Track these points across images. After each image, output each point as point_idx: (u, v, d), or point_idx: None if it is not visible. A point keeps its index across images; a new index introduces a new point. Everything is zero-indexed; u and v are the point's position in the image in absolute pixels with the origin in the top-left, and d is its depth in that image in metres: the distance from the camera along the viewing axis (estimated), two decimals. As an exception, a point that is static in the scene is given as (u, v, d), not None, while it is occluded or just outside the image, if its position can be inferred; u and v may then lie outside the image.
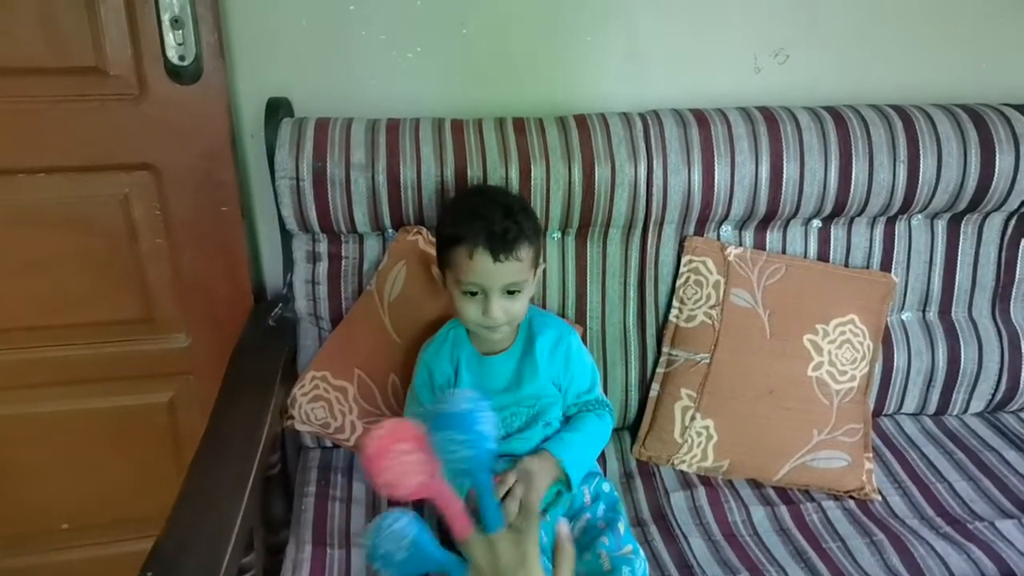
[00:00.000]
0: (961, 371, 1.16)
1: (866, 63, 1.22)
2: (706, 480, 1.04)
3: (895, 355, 1.15)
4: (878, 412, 1.17)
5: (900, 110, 1.11)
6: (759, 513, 0.99)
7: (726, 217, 1.09)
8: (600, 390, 0.98)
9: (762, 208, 1.08)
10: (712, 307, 1.08)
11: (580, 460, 0.89)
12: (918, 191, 1.09)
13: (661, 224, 1.09)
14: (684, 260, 1.10)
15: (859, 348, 1.07)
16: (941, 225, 1.16)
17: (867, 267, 1.15)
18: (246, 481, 0.79)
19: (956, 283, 1.17)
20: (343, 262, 1.06)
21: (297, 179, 0.99)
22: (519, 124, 1.05)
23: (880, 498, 1.02)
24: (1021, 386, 1.18)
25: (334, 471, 1.03)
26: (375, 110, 1.07)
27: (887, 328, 1.14)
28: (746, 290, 1.08)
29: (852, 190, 1.08)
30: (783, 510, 1.00)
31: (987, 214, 1.16)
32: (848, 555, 0.91)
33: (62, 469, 1.26)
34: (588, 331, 1.09)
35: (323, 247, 1.06)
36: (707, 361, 1.06)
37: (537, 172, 1.01)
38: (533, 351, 0.92)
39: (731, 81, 1.19)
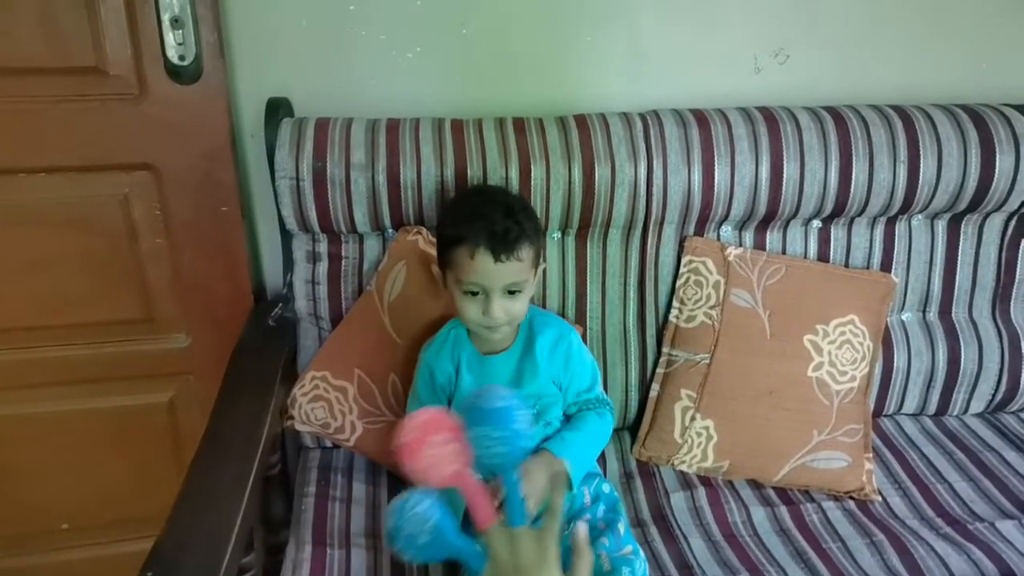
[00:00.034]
0: (961, 371, 1.16)
1: (866, 63, 1.22)
2: (706, 480, 1.04)
3: (895, 355, 1.15)
4: (878, 412, 1.17)
5: (900, 110, 1.11)
6: (759, 513, 0.99)
7: (726, 217, 1.09)
8: (600, 389, 0.98)
9: (762, 208, 1.08)
10: (712, 307, 1.08)
11: (581, 459, 0.90)
12: (918, 191, 1.09)
13: (661, 224, 1.09)
14: (684, 260, 1.10)
15: (859, 348, 1.07)
16: (941, 225, 1.16)
17: (867, 267, 1.15)
18: (246, 481, 0.79)
19: (956, 283, 1.17)
20: (343, 262, 1.06)
21: (297, 179, 0.99)
22: (519, 124, 1.05)
23: (880, 499, 1.02)
24: (1021, 387, 1.18)
25: (334, 471, 1.03)
26: (375, 110, 1.07)
27: (887, 328, 1.14)
28: (746, 290, 1.08)
29: (852, 190, 1.08)
30: (783, 510, 1.00)
31: (987, 214, 1.16)
32: (848, 555, 0.91)
33: (62, 469, 1.26)
34: (588, 331, 1.09)
35: (323, 247, 1.06)
36: (707, 361, 1.06)
37: (537, 172, 1.01)
38: (533, 350, 0.92)
39: (731, 81, 1.19)
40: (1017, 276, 1.18)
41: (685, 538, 0.94)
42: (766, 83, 1.20)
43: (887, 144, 1.07)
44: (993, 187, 1.10)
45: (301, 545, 0.89)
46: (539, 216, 0.99)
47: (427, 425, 0.65)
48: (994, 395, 1.18)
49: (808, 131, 1.07)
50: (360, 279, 1.07)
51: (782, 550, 0.93)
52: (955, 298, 1.18)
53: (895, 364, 1.15)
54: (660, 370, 1.10)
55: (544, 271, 1.06)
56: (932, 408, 1.19)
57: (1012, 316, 1.19)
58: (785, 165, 1.06)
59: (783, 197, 1.07)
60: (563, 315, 1.08)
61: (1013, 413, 1.21)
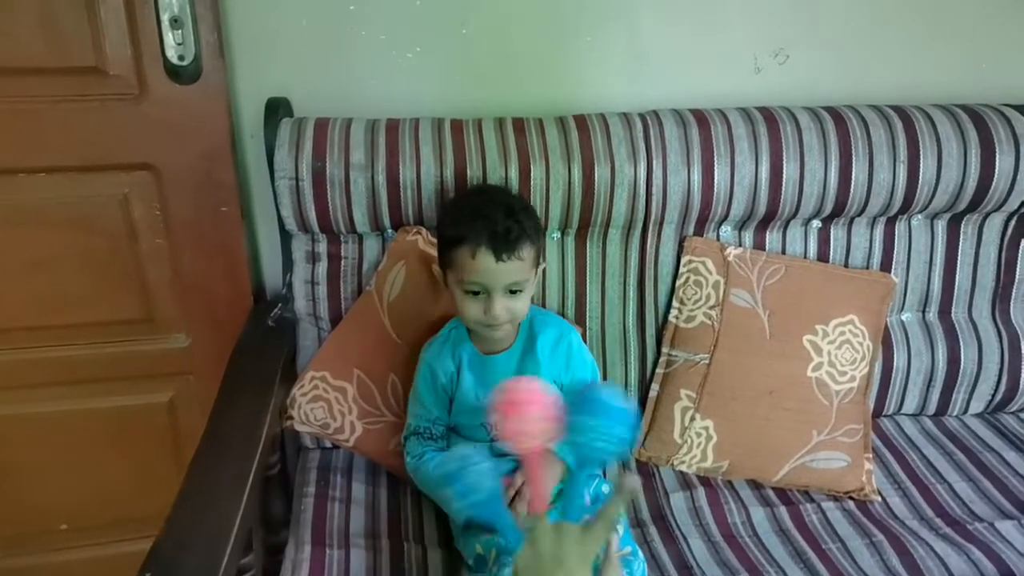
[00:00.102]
0: (961, 372, 1.16)
1: (866, 63, 1.22)
2: (706, 481, 1.04)
3: (895, 355, 1.15)
4: (878, 413, 1.17)
5: (900, 110, 1.11)
6: (759, 514, 0.99)
7: (726, 217, 1.09)
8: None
9: (762, 208, 1.08)
10: (712, 307, 1.08)
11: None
12: (918, 191, 1.09)
13: (661, 224, 1.09)
14: (684, 260, 1.10)
15: (859, 348, 1.07)
16: (941, 225, 1.16)
17: (867, 267, 1.15)
18: (245, 481, 0.79)
19: (956, 283, 1.17)
20: (342, 262, 1.06)
21: (296, 179, 0.99)
22: (519, 124, 1.05)
23: (880, 499, 1.02)
24: (1021, 387, 1.18)
25: (333, 471, 1.03)
26: (375, 110, 1.07)
27: (887, 328, 1.14)
28: (746, 290, 1.08)
29: (852, 190, 1.08)
30: (783, 511, 1.00)
31: (987, 214, 1.16)
32: (848, 556, 0.91)
33: (62, 469, 1.26)
34: (588, 331, 1.09)
35: (322, 247, 1.06)
36: (707, 362, 1.06)
37: (537, 172, 1.01)
38: (535, 350, 0.92)
39: (731, 81, 1.19)
40: (1017, 276, 1.18)
41: (684, 539, 0.94)
42: (766, 83, 1.20)
43: (887, 144, 1.07)
44: (993, 187, 1.10)
45: (300, 545, 0.89)
46: (539, 216, 0.99)
47: (539, 397, 0.64)
48: (994, 395, 1.18)
49: (808, 131, 1.07)
50: (359, 279, 1.07)
51: (781, 550, 0.93)
52: (955, 298, 1.18)
53: (895, 364, 1.15)
54: (660, 370, 1.10)
55: (544, 271, 1.06)
56: (932, 408, 1.19)
57: (1012, 316, 1.19)
58: (785, 165, 1.06)
59: (783, 197, 1.07)
60: (563, 315, 1.08)
61: (1013, 413, 1.21)
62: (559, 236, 1.09)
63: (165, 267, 1.14)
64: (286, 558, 0.88)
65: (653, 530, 0.95)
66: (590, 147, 1.03)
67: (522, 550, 0.63)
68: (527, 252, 0.85)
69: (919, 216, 1.15)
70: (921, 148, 1.08)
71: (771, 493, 1.03)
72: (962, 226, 1.16)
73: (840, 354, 1.06)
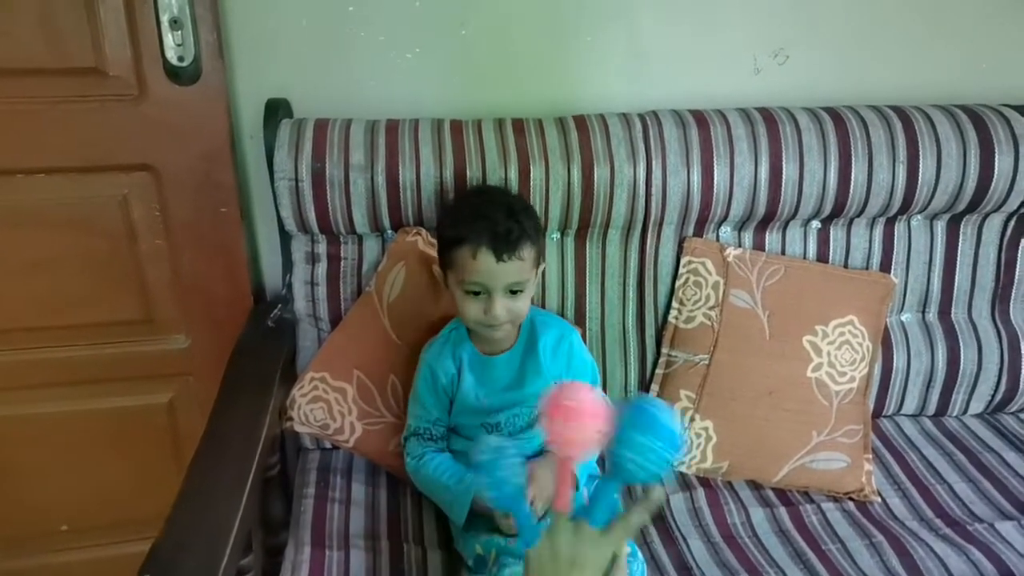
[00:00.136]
0: (961, 372, 1.16)
1: (865, 64, 1.22)
2: (705, 482, 1.04)
3: (894, 356, 1.15)
4: (877, 413, 1.17)
5: (899, 111, 1.11)
6: (758, 515, 0.99)
7: (725, 218, 1.09)
8: (600, 389, 0.99)
9: (761, 209, 1.08)
10: (711, 308, 1.08)
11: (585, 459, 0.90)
12: (917, 192, 1.09)
13: (660, 225, 1.09)
14: (683, 261, 1.10)
15: (858, 349, 1.07)
16: (940, 226, 1.16)
17: (866, 268, 1.14)
18: (245, 482, 0.79)
19: (955, 284, 1.17)
20: (342, 263, 1.06)
21: (296, 180, 0.99)
22: (518, 125, 1.05)
23: (879, 500, 1.02)
24: (1021, 387, 1.18)
25: (333, 473, 1.03)
26: (374, 111, 1.07)
27: (886, 329, 1.14)
28: (745, 291, 1.08)
29: (851, 191, 1.08)
30: (782, 512, 1.00)
31: (986, 215, 1.16)
32: (847, 557, 0.91)
33: (62, 470, 1.26)
34: (587, 332, 1.09)
35: (322, 248, 1.06)
36: (706, 362, 1.06)
37: (536, 173, 1.01)
38: (536, 350, 0.92)
39: (730, 82, 1.19)
40: (1016, 276, 1.18)
41: (684, 539, 0.94)
42: (765, 84, 1.20)
43: (886, 145, 1.07)
44: (992, 187, 1.10)
45: (300, 547, 0.89)
46: (538, 216, 0.99)
47: (598, 407, 0.63)
48: (993, 396, 1.18)
49: (807, 132, 1.07)
50: (359, 280, 1.07)
51: (781, 551, 0.93)
52: (954, 298, 1.18)
53: (894, 365, 1.15)
54: (659, 371, 1.10)
55: (543, 271, 1.06)
56: (931, 409, 1.19)
57: (1011, 316, 1.19)
58: (784, 166, 1.06)
59: (782, 198, 1.07)
60: (562, 315, 1.08)
61: (1012, 414, 1.21)
62: (558, 237, 1.09)
63: (165, 268, 1.14)
64: (286, 559, 0.88)
65: (653, 531, 0.95)
66: (589, 148, 1.03)
67: (539, 546, 0.63)
68: (528, 252, 0.85)
69: (918, 216, 1.15)
70: (920, 148, 1.08)
71: (771, 494, 1.03)
72: (961, 226, 1.16)
73: (840, 355, 1.06)
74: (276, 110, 1.03)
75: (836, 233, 1.14)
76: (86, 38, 0.99)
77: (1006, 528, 0.96)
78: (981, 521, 0.97)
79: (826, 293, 1.09)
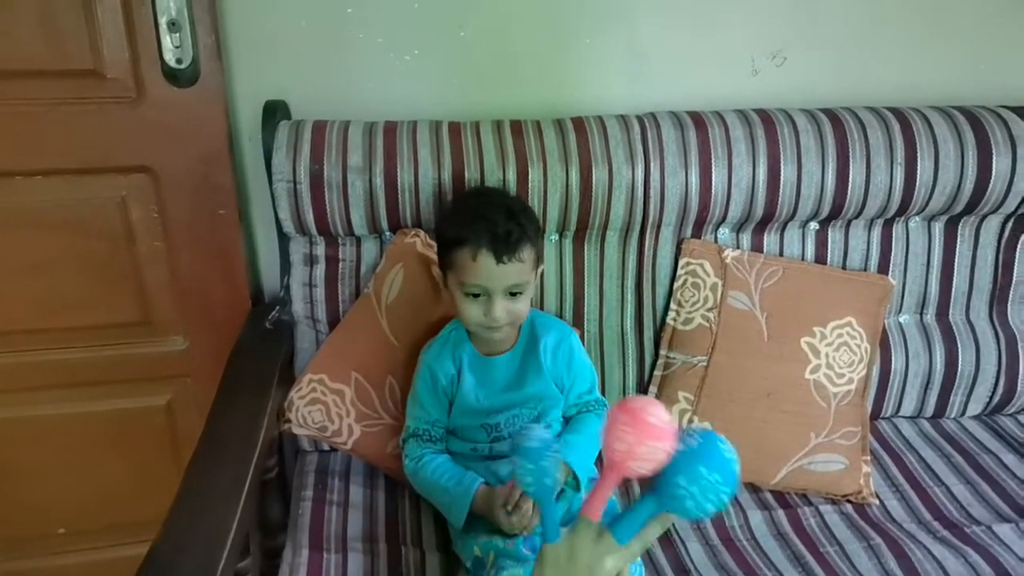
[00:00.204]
0: (959, 374, 1.16)
1: (864, 65, 1.22)
2: (704, 483, 1.04)
3: (892, 358, 1.15)
4: (875, 415, 1.17)
5: (897, 112, 1.11)
6: (756, 517, 0.99)
7: (723, 219, 1.09)
8: (598, 390, 0.99)
9: (759, 210, 1.08)
10: (709, 309, 1.08)
11: (586, 460, 0.91)
12: (915, 193, 1.09)
13: (658, 226, 1.09)
14: (681, 262, 1.10)
15: (856, 351, 1.07)
16: (938, 227, 1.16)
17: (864, 269, 1.15)
18: (242, 484, 0.79)
19: (953, 285, 1.18)
20: (340, 265, 1.06)
21: (294, 182, 0.99)
22: (516, 127, 1.05)
23: (877, 502, 1.02)
24: (1018, 388, 1.18)
25: (331, 475, 1.03)
26: (373, 113, 1.07)
27: (884, 331, 1.14)
28: (743, 292, 1.08)
29: (849, 192, 1.08)
30: (780, 514, 1.00)
31: (984, 216, 1.16)
32: (845, 559, 0.91)
33: (60, 472, 1.26)
34: (586, 333, 1.09)
35: (320, 250, 1.06)
36: (704, 364, 1.06)
37: (534, 174, 1.01)
38: (536, 351, 0.92)
39: (728, 83, 1.19)
40: (1014, 278, 1.18)
41: (683, 542, 0.94)
42: (763, 85, 1.20)
43: (884, 146, 1.07)
44: (990, 189, 1.10)
45: (298, 549, 0.89)
46: (537, 218, 0.99)
47: (672, 430, 0.61)
48: (991, 397, 1.18)
49: (805, 133, 1.07)
50: (357, 282, 1.07)
51: (779, 554, 0.93)
52: (952, 300, 1.18)
53: (892, 366, 1.15)
54: (658, 372, 1.10)
55: (542, 273, 1.06)
56: (929, 410, 1.19)
57: (1009, 318, 1.19)
58: (782, 167, 1.06)
59: (780, 199, 1.07)
60: (561, 317, 1.08)
61: (1011, 415, 1.21)
62: (557, 238, 1.09)
63: (163, 270, 1.14)
64: (283, 562, 0.88)
65: (651, 533, 0.95)
66: (588, 149, 1.03)
67: (558, 544, 0.64)
68: (527, 254, 0.86)
69: (916, 218, 1.15)
70: (918, 150, 1.08)
71: (769, 496, 1.03)
72: (959, 228, 1.17)
73: (838, 356, 1.06)
74: (274, 112, 1.03)
75: (834, 235, 1.14)
76: (84, 40, 0.99)
77: (1004, 530, 0.96)
78: (979, 523, 0.97)
79: (824, 295, 1.09)
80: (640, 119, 1.07)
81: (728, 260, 1.09)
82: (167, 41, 1.00)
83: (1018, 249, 1.17)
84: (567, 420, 0.97)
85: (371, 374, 1.01)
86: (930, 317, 1.19)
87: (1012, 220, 1.17)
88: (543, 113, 1.10)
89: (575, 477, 0.86)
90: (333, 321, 1.06)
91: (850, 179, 1.07)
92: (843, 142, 1.07)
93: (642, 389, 1.11)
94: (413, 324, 1.01)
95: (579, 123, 1.06)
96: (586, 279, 1.10)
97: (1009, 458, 1.10)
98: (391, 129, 1.03)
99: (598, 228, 1.07)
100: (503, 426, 0.92)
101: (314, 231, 1.03)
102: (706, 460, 0.60)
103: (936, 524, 0.98)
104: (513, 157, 1.01)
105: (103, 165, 1.07)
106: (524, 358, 0.93)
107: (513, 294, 0.86)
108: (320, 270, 1.06)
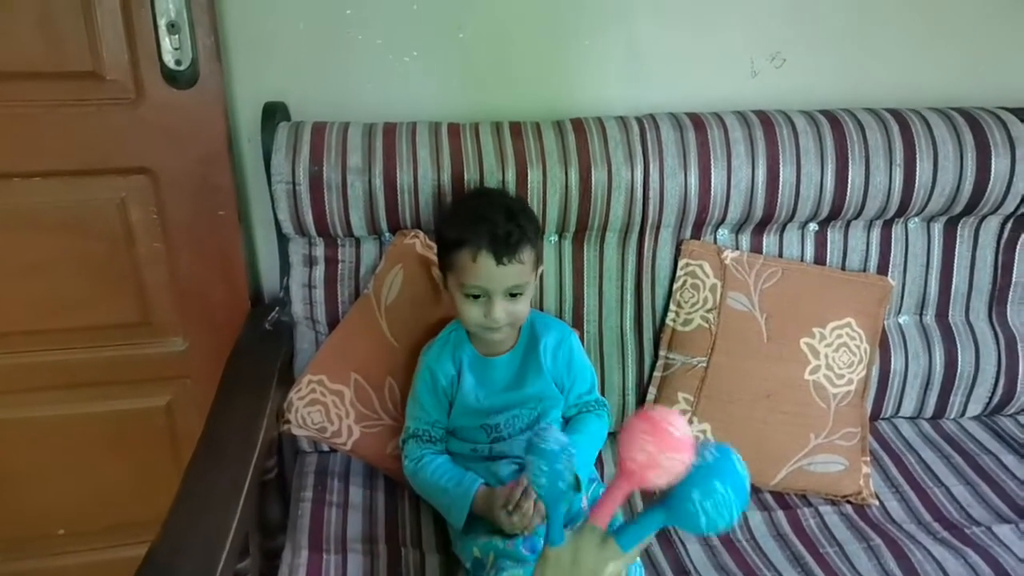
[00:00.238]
0: (958, 374, 1.16)
1: (862, 67, 1.22)
2: (703, 484, 1.04)
3: (892, 358, 1.15)
4: (875, 416, 1.17)
5: (896, 114, 1.11)
6: (756, 518, 0.99)
7: (723, 220, 1.09)
8: (598, 391, 0.99)
9: (759, 212, 1.08)
10: (709, 311, 1.08)
11: (587, 461, 0.91)
12: (914, 194, 1.09)
13: (658, 228, 1.09)
14: (681, 263, 1.10)
15: (856, 351, 1.07)
16: (938, 228, 1.16)
17: (864, 270, 1.15)
18: (242, 485, 0.79)
19: (953, 286, 1.18)
20: (340, 266, 1.06)
21: (293, 183, 0.99)
22: (516, 128, 1.05)
23: (877, 503, 1.02)
24: (1018, 389, 1.18)
25: (331, 476, 1.03)
26: (372, 114, 1.07)
27: (884, 331, 1.14)
28: (743, 293, 1.08)
29: (848, 193, 1.08)
30: (780, 515, 1.00)
31: (983, 217, 1.16)
32: (845, 560, 0.91)
33: (59, 473, 1.26)
34: (585, 334, 1.09)
35: (319, 251, 1.06)
36: (704, 365, 1.06)
37: (534, 176, 1.01)
38: (536, 352, 0.92)
39: (728, 85, 1.19)
40: (1013, 278, 1.18)
41: (682, 543, 0.94)
42: (762, 87, 1.20)
43: (883, 147, 1.07)
44: (989, 190, 1.10)
45: (297, 550, 0.89)
46: (537, 218, 0.99)
47: (692, 442, 0.61)
48: (991, 398, 1.18)
49: (804, 135, 1.07)
50: (357, 283, 1.07)
51: (779, 555, 0.93)
52: (952, 301, 1.18)
53: (892, 367, 1.15)
54: (657, 373, 1.10)
55: (541, 274, 1.06)
56: (929, 411, 1.19)
57: (1008, 319, 1.19)
58: (781, 168, 1.06)
59: (779, 200, 1.07)
60: (560, 318, 1.08)
61: (1010, 416, 1.21)
62: (556, 239, 1.09)
63: (162, 271, 1.14)
64: (283, 563, 0.88)
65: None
66: (587, 151, 1.03)
67: (563, 547, 0.64)
68: (527, 255, 0.86)
69: (916, 219, 1.15)
70: (917, 151, 1.08)
71: (769, 497, 1.03)
72: (958, 229, 1.17)
73: (837, 357, 1.06)
74: (273, 113, 1.04)
75: (833, 235, 1.14)
76: (83, 42, 0.99)
77: (1003, 531, 0.96)
78: (979, 524, 0.97)
79: (824, 295, 1.09)
80: (639, 120, 1.07)
81: (727, 261, 1.09)
82: (166, 43, 1.00)
83: (1017, 250, 1.18)
84: (567, 420, 0.97)
85: (371, 375, 1.01)
86: (929, 318, 1.19)
87: (1011, 221, 1.17)
88: (542, 114, 1.10)
89: (576, 477, 0.85)
90: (332, 322, 1.06)
91: (849, 180, 1.07)
92: (842, 143, 1.07)
93: (642, 390, 1.11)
94: (413, 325, 1.01)
95: (578, 124, 1.06)
96: (585, 280, 1.10)
97: (1009, 459, 1.10)
98: (390, 130, 1.03)
99: (597, 229, 1.07)
100: (503, 427, 0.92)
101: (313, 232, 1.03)
102: (721, 475, 0.60)
103: (936, 525, 0.98)
104: (512, 158, 1.01)
105: (102, 166, 1.07)
106: (524, 358, 0.93)
107: (513, 295, 0.86)
108: (319, 271, 1.06)
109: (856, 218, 1.12)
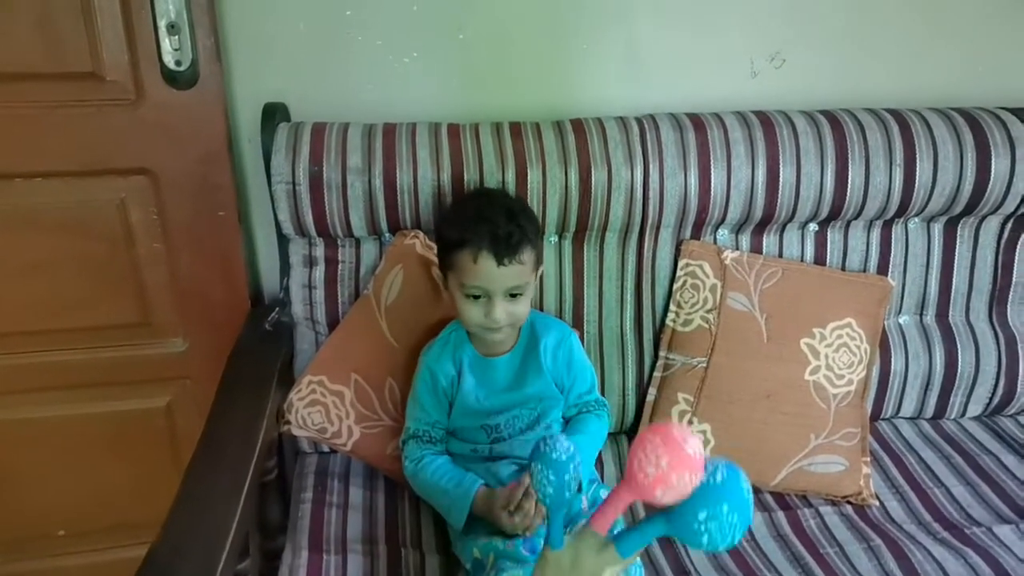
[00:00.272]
0: (958, 375, 1.16)
1: (862, 67, 1.22)
2: (703, 485, 1.04)
3: (892, 359, 1.15)
4: (875, 416, 1.17)
5: (896, 114, 1.11)
6: (756, 519, 0.99)
7: (723, 221, 1.09)
8: (598, 391, 0.99)
9: (759, 212, 1.08)
10: (709, 311, 1.08)
11: (587, 461, 0.91)
12: (914, 195, 1.09)
13: (658, 228, 1.09)
14: (681, 264, 1.10)
15: (856, 352, 1.07)
16: (938, 228, 1.16)
17: (864, 271, 1.15)
18: (242, 486, 0.79)
19: (953, 286, 1.18)
20: (340, 266, 1.06)
21: (293, 183, 0.99)
22: (516, 128, 1.06)
23: (878, 503, 1.02)
24: (1018, 389, 1.18)
25: (331, 476, 1.03)
26: (372, 115, 1.07)
27: (884, 332, 1.14)
28: (743, 294, 1.08)
29: (848, 194, 1.08)
30: (780, 516, 0.99)
31: (983, 217, 1.16)
32: (846, 561, 0.91)
33: (60, 474, 1.26)
34: (585, 335, 1.09)
35: (319, 251, 1.06)
36: (704, 365, 1.06)
37: (534, 176, 1.01)
38: (537, 352, 0.93)
39: (727, 85, 1.19)
40: (1014, 279, 1.18)
41: (683, 544, 0.94)
42: (762, 87, 1.20)
43: (883, 148, 1.07)
44: (989, 190, 1.10)
45: (297, 551, 0.89)
46: (537, 218, 0.99)
47: (702, 462, 0.60)
48: (991, 398, 1.18)
49: (804, 135, 1.07)
50: (357, 283, 1.07)
51: (779, 555, 0.93)
52: (952, 301, 1.18)
53: (892, 367, 1.15)
54: (657, 373, 1.10)
55: (541, 274, 1.06)
56: (929, 412, 1.19)
57: (1009, 319, 1.19)
58: (781, 169, 1.06)
59: (779, 201, 1.07)
60: (560, 318, 1.08)
61: (1011, 416, 1.21)
62: (556, 240, 1.09)
63: (162, 271, 1.14)
64: (283, 564, 0.88)
65: (651, 534, 0.95)
66: (587, 151, 1.03)
67: (562, 551, 0.64)
68: (528, 256, 0.86)
69: (916, 219, 1.15)
70: (917, 151, 1.08)
71: (769, 498, 1.03)
72: (959, 229, 1.17)
73: (837, 357, 1.06)
74: (273, 114, 1.04)
75: (833, 236, 1.14)
76: (83, 43, 0.99)
77: (1004, 532, 0.95)
78: (979, 525, 0.97)
79: (824, 296, 1.09)
80: (639, 121, 1.07)
81: (727, 261, 1.09)
82: (166, 44, 1.00)
83: (1017, 250, 1.17)
84: (567, 420, 0.97)
85: (371, 375, 1.01)
86: (930, 318, 1.19)
87: (1011, 221, 1.17)
88: (542, 115, 1.10)
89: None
90: (333, 322, 1.06)
91: (849, 180, 1.07)
92: (842, 143, 1.07)
93: (642, 390, 1.11)
94: (413, 325, 1.01)
95: (578, 125, 1.06)
96: (585, 280, 1.10)
97: (1009, 459, 1.10)
98: (390, 131, 1.03)
99: (597, 229, 1.07)
100: (503, 427, 0.92)
101: (313, 233, 1.03)
102: (730, 498, 0.60)
103: (936, 525, 0.98)
104: (512, 159, 1.01)
105: (103, 167, 1.07)
106: (524, 359, 0.93)
107: (513, 295, 0.86)
108: (319, 271, 1.06)
109: (856, 218, 1.12)
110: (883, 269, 1.15)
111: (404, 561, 0.90)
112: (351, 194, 1.00)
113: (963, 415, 1.20)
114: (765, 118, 1.09)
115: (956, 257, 1.17)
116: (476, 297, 0.86)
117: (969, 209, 1.13)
